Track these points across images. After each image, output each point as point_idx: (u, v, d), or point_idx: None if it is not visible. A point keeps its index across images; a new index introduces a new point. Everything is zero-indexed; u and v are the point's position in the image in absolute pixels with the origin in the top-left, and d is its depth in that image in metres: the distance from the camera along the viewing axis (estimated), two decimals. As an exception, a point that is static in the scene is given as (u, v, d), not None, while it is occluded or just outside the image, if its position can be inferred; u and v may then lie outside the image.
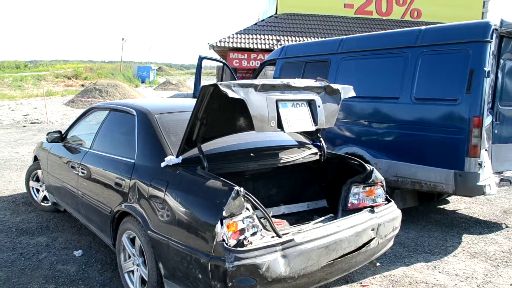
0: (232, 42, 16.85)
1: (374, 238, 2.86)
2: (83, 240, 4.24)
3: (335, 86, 3.09)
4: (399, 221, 3.15)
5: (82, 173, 3.76)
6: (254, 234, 2.46)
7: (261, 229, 2.51)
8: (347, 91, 3.21)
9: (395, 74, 4.74)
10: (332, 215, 3.09)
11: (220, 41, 16.66)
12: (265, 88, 2.63)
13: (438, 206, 5.59)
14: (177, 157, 2.81)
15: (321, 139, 3.53)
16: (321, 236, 2.54)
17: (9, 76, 29.37)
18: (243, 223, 2.42)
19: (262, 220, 2.54)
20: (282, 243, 2.38)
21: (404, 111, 4.63)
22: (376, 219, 2.91)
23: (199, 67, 7.08)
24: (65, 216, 4.87)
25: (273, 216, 3.29)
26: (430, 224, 4.85)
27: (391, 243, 3.24)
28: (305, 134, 3.71)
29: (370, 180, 3.13)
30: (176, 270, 2.58)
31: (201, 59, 7.08)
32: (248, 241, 2.39)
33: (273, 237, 2.49)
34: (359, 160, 3.34)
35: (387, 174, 4.70)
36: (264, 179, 3.49)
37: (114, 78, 33.17)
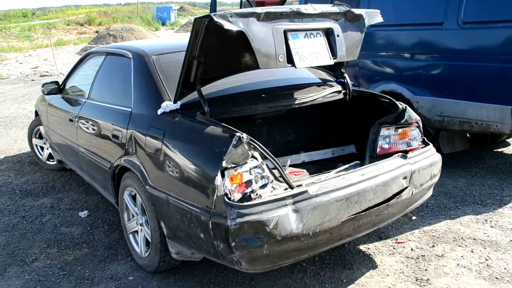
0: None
1: (406, 187, 2.73)
2: (90, 200, 4.33)
3: (357, 11, 2.87)
4: (438, 167, 2.99)
5: (81, 126, 3.77)
6: (264, 186, 2.38)
7: (272, 180, 2.43)
8: (372, 16, 2.98)
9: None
10: (358, 162, 2.96)
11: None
12: (270, 17, 2.46)
13: (496, 150, 5.32)
14: (174, 102, 2.74)
15: (345, 74, 3.35)
16: (341, 187, 2.44)
17: (16, 26, 29.83)
18: (250, 174, 2.35)
19: (274, 170, 2.45)
20: (293, 196, 2.30)
21: (449, 38, 4.32)
22: (408, 165, 2.76)
23: (213, 2, 6.87)
24: (72, 175, 4.98)
25: (292, 165, 3.22)
26: (484, 171, 4.64)
27: (430, 193, 3.10)
28: (327, 70, 3.52)
29: (403, 120, 2.95)
30: (177, 229, 2.58)
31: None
32: (257, 194, 2.32)
33: (286, 189, 2.41)
34: (389, 97, 3.15)
35: (430, 114, 4.49)
36: (281, 124, 3.39)
37: (131, 21, 33.07)
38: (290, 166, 3.20)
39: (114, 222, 3.81)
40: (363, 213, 2.51)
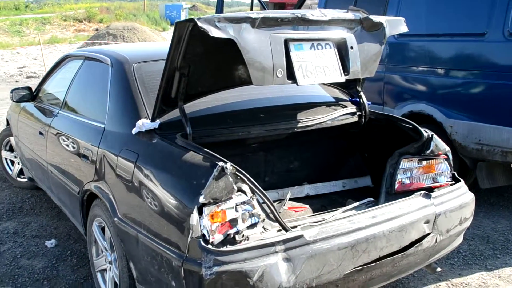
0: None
1: (429, 234, 2.57)
2: (62, 227, 4.23)
3: (376, 18, 2.73)
4: (470, 209, 2.82)
5: (50, 141, 3.69)
6: (253, 226, 2.24)
7: (263, 220, 2.28)
8: (395, 25, 2.84)
9: (480, 1, 4.23)
10: (371, 199, 2.81)
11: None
12: (268, 23, 2.34)
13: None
14: (152, 120, 2.62)
15: (361, 93, 3.21)
16: (345, 232, 2.28)
17: (5, 20, 30.34)
18: (237, 211, 2.20)
19: (267, 206, 2.30)
20: (285, 241, 2.14)
21: (492, 51, 4.14)
22: (432, 206, 2.59)
23: (220, 1, 6.84)
24: (45, 195, 4.88)
25: (294, 199, 3.07)
26: (532, 212, 4.43)
27: (459, 239, 2.93)
28: (341, 87, 3.38)
29: (428, 151, 2.80)
30: (147, 273, 2.44)
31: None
32: (243, 236, 2.17)
33: (279, 230, 2.26)
34: (412, 122, 3.00)
35: (467, 141, 4.30)
36: (282, 149, 3.26)
37: (136, 20, 33.45)
38: (291, 200, 3.06)
39: (85, 255, 3.67)
40: (373, 264, 2.35)
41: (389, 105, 5.18)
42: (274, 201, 2.99)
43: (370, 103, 3.34)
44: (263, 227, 2.26)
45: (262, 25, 2.31)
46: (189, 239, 2.08)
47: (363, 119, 3.19)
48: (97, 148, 2.92)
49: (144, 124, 2.61)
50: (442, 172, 2.87)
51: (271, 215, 2.28)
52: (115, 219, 2.62)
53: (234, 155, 3.03)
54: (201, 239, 2.07)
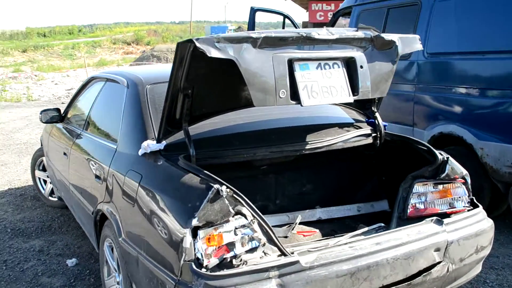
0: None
1: (439, 262, 2.44)
2: (85, 246, 4.28)
3: (388, 36, 2.66)
4: (488, 237, 2.67)
5: (72, 161, 3.77)
6: (253, 250, 2.19)
7: (264, 244, 2.23)
8: (408, 44, 2.76)
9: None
10: (382, 224, 2.71)
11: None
12: (271, 43, 2.31)
13: None
14: (158, 142, 2.62)
15: (377, 114, 3.12)
16: (345, 259, 2.19)
17: (59, 44, 31.68)
18: (236, 234, 2.17)
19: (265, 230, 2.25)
20: (279, 266, 2.08)
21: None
22: (444, 234, 2.47)
23: (251, 21, 6.87)
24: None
25: (305, 223, 3.00)
26: None
27: (477, 269, 2.77)
28: (357, 108, 3.30)
29: (443, 175, 2.67)
30: None
31: (253, 11, 6.87)
32: (241, 260, 2.13)
33: (280, 255, 2.20)
34: (427, 144, 2.89)
35: (499, 164, 4.11)
36: (293, 172, 3.20)
37: (182, 42, 33.92)
38: (303, 224, 2.99)
39: (103, 275, 3.71)
40: (375, 293, 2.25)
41: (419, 126, 5.03)
42: (284, 225, 2.95)
43: (386, 124, 3.24)
44: (263, 251, 2.20)
45: (265, 45, 2.28)
46: (181, 262, 2.06)
47: (378, 141, 3.10)
48: (108, 168, 2.96)
49: (149, 145, 2.61)
50: (460, 197, 2.74)
51: (270, 239, 2.23)
52: (120, 239, 2.62)
53: (243, 177, 3.01)
54: (193, 263, 2.03)
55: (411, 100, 5.07)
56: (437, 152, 2.77)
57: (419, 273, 2.37)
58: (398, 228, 2.49)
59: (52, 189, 5.21)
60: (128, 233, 2.58)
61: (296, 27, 6.95)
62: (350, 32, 2.57)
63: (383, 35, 2.65)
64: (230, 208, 2.13)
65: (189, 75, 2.37)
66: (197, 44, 2.12)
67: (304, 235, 2.84)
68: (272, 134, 2.85)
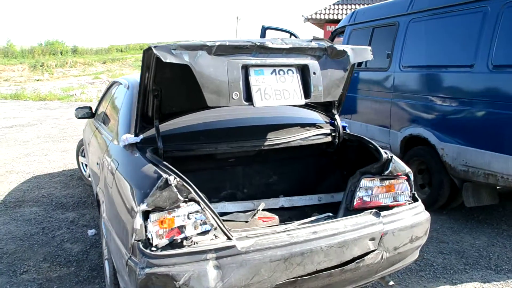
0: (329, 14, 15.77)
1: (373, 251, 2.14)
2: (108, 218, 4.14)
3: (340, 47, 2.37)
4: (423, 229, 2.35)
5: (90, 150, 3.64)
6: (205, 233, 1.97)
7: (216, 228, 2.00)
8: (359, 54, 2.46)
9: (469, 36, 3.67)
10: (330, 214, 2.42)
11: (316, 13, 15.71)
12: (225, 50, 2.08)
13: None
14: (136, 136, 2.42)
15: (336, 116, 2.82)
16: (280, 245, 1.93)
17: (131, 57, 32.10)
18: (189, 219, 1.95)
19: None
20: (216, 250, 1.85)
21: (478, 82, 3.57)
22: (380, 225, 2.17)
23: (263, 30, 6.55)
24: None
25: (268, 210, 2.74)
26: (514, 230, 3.75)
27: (414, 256, 2.46)
28: (321, 111, 3.00)
29: (387, 172, 2.37)
30: (118, 265, 2.23)
31: (264, 29, 6.55)
32: (192, 241, 1.92)
33: (229, 238, 1.97)
34: (376, 144, 2.58)
35: (455, 163, 3.75)
36: (260, 165, 2.93)
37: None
38: (267, 211, 2.73)
39: (115, 244, 3.56)
40: (308, 277, 1.97)
41: (395, 128, 4.67)
42: (249, 211, 2.70)
43: (347, 125, 2.95)
44: (214, 235, 1.98)
45: (219, 52, 2.06)
46: (132, 241, 1.86)
47: (336, 140, 2.80)
48: (102, 156, 2.79)
49: (127, 138, 2.42)
50: (402, 192, 2.43)
51: (216, 224, 1.99)
52: (102, 218, 2.45)
53: (213, 168, 2.78)
54: (141, 242, 1.84)
55: (389, 106, 4.71)
56: (382, 151, 2.47)
57: (353, 260, 2.08)
58: (338, 218, 2.20)
59: (91, 171, 5.12)
60: (108, 212, 2.40)
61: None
62: (304, 43, 2.30)
63: (336, 45, 2.36)
64: (179, 195, 1.91)
65: (156, 78, 2.17)
66: (155, 51, 1.92)
67: (263, 221, 2.58)
68: (236, 131, 2.61)
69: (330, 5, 16.29)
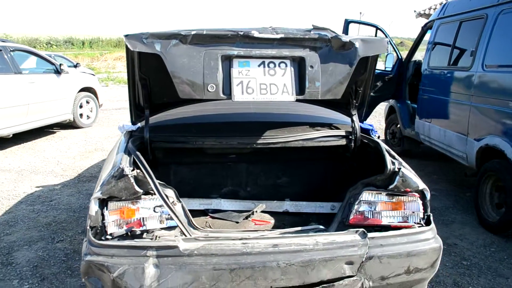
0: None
1: (351, 276, 1.81)
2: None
3: (346, 38, 2.04)
4: (427, 259, 1.93)
5: None
6: (170, 228, 1.90)
7: (183, 224, 1.91)
8: (371, 46, 2.09)
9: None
10: (320, 226, 2.13)
11: (430, 8, 14.26)
12: (202, 40, 1.93)
13: None
14: (133, 124, 2.41)
15: (354, 117, 2.47)
16: (229, 254, 1.74)
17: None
18: (155, 212, 1.89)
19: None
20: (157, 248, 1.73)
21: None
22: (362, 247, 1.83)
23: (345, 33, 6.16)
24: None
25: (268, 212, 2.54)
26: None
27: None
28: (340, 110, 2.65)
29: (392, 186, 1.99)
30: None
31: (347, 23, 6.13)
32: (154, 235, 1.85)
33: (198, 237, 1.86)
34: (389, 151, 2.19)
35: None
36: (267, 164, 2.70)
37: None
38: (268, 213, 2.52)
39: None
40: (259, 293, 1.74)
41: (472, 136, 4.01)
42: (247, 211, 2.52)
43: (372, 128, 2.56)
44: (181, 231, 1.88)
45: (195, 41, 1.91)
46: (88, 226, 1.84)
47: (352, 144, 2.45)
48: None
49: (124, 126, 2.43)
50: (413, 212, 2.02)
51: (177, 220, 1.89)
52: None
53: (213, 162, 2.64)
54: (91, 229, 1.81)
55: (468, 110, 4.04)
56: (389, 161, 2.08)
57: (320, 283, 1.79)
58: (316, 233, 1.91)
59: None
60: None
61: (388, 38, 6.04)
62: (300, 32, 2.02)
63: (340, 36, 2.04)
64: (136, 187, 1.83)
65: (141, 67, 2.10)
66: (125, 40, 1.86)
67: (255, 224, 2.38)
68: (230, 126, 2.43)
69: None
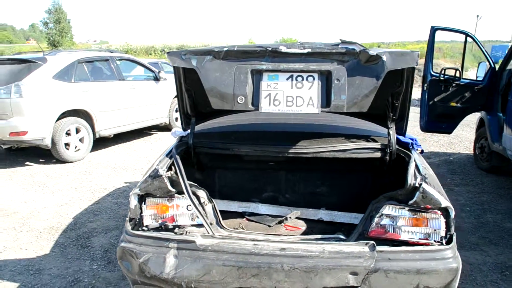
0: None
1: (355, 287, 1.87)
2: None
3: (373, 51, 2.10)
4: (440, 279, 1.88)
5: None
6: (200, 226, 2.17)
7: (211, 223, 2.19)
8: (399, 59, 2.10)
9: None
10: (341, 236, 2.20)
11: None
12: (234, 55, 2.15)
13: None
14: (184, 130, 2.72)
15: (391, 129, 2.47)
16: (239, 253, 1.93)
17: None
18: (188, 210, 2.17)
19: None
20: (178, 241, 1.99)
21: None
22: (369, 260, 1.87)
23: (431, 40, 5.91)
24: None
25: (302, 219, 2.68)
26: None
27: None
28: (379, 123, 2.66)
29: (411, 201, 2.00)
30: None
31: (433, 30, 5.88)
32: (184, 230, 2.15)
33: (222, 236, 2.13)
34: (418, 165, 2.19)
35: None
36: (305, 173, 2.81)
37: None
38: (303, 220, 2.64)
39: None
40: (263, 291, 1.90)
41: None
42: (282, 216, 2.68)
43: (414, 142, 2.53)
44: (207, 229, 2.15)
45: (227, 56, 2.15)
46: (128, 217, 2.17)
47: (387, 157, 2.46)
48: None
49: (176, 131, 2.73)
50: (435, 230, 2.00)
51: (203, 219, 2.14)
52: None
53: (254, 169, 2.84)
54: (130, 220, 2.13)
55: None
56: (411, 176, 2.08)
57: (324, 289, 1.88)
58: (325, 242, 2.01)
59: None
60: None
61: (480, 46, 5.66)
62: (327, 47, 2.13)
63: (368, 49, 2.11)
64: (169, 187, 2.12)
65: (186, 79, 2.39)
66: (167, 56, 2.17)
67: (287, 229, 2.52)
68: (265, 135, 2.60)
69: None
